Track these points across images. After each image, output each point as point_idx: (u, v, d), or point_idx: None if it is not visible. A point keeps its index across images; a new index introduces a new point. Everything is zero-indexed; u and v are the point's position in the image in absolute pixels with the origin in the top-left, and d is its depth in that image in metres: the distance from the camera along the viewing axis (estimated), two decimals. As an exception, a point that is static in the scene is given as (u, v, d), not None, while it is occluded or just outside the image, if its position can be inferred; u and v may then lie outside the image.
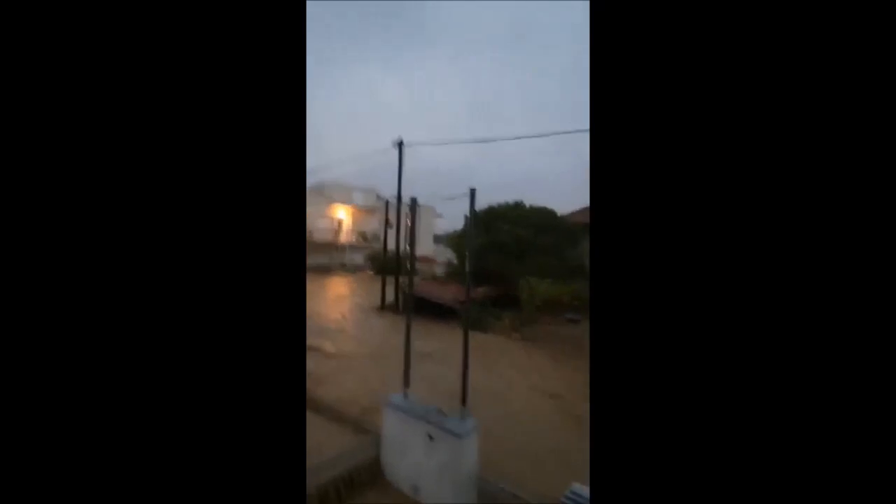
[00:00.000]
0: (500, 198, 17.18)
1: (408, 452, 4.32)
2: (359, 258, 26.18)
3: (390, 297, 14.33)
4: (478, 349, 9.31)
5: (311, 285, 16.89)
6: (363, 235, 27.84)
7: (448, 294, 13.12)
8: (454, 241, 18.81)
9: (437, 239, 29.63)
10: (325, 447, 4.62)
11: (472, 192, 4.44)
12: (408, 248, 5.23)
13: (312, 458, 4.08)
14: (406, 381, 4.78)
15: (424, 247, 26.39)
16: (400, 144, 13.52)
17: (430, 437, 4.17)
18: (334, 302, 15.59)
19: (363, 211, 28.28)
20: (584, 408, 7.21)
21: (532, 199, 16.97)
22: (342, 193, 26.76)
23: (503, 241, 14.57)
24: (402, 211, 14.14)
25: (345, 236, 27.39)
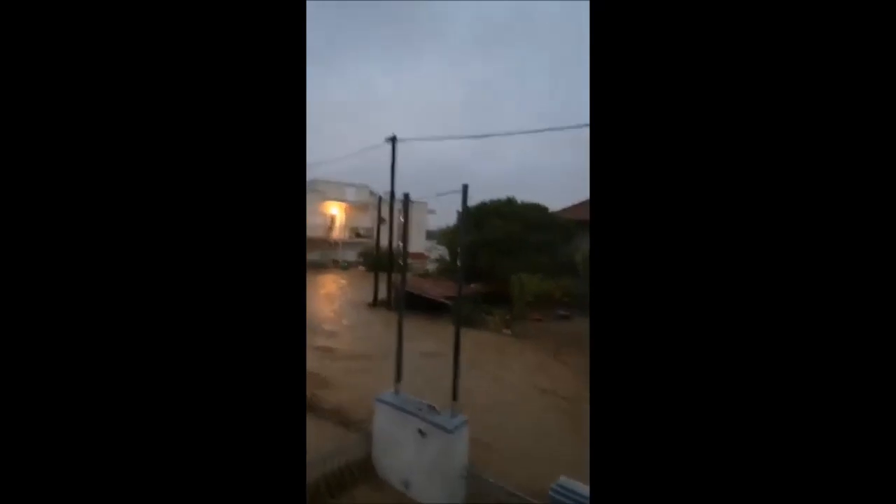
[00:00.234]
0: (492, 194, 17.32)
1: (399, 448, 4.36)
2: (351, 255, 26.08)
3: (383, 293, 14.34)
4: (469, 345, 9.36)
5: (303, 282, 16.73)
6: (356, 232, 27.73)
7: (440, 290, 13.15)
8: (446, 237, 18.84)
9: (430, 235, 29.61)
10: (315, 444, 4.64)
11: (465, 188, 4.46)
12: (400, 244, 5.24)
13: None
14: (398, 378, 4.81)
15: (417, 243, 26.33)
16: (393, 140, 13.47)
17: (421, 433, 4.21)
18: (327, 299, 15.54)
19: (356, 207, 28.14)
20: (573, 403, 7.31)
21: (524, 195, 17.07)
22: (335, 190, 26.59)
23: (495, 238, 14.62)
24: (394, 207, 14.11)
25: (337, 233, 27.24)
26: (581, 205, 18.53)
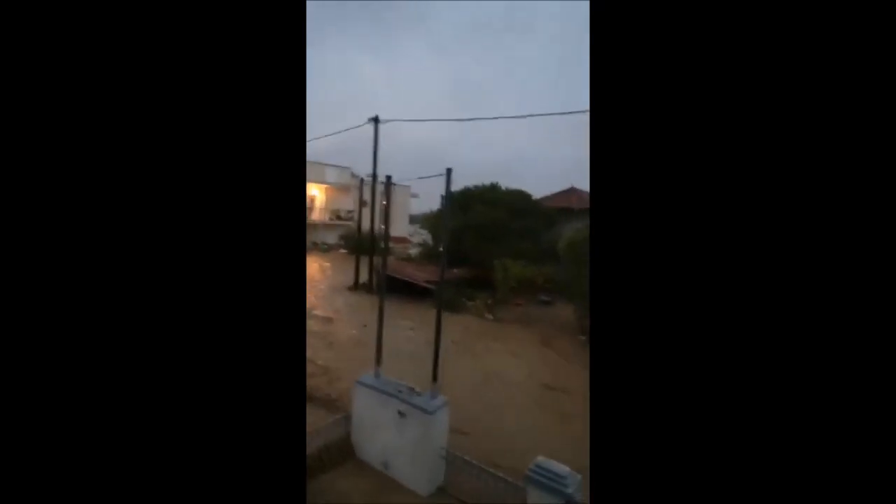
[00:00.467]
0: (477, 180, 17.23)
1: (379, 430, 4.36)
2: (332, 237, 25.69)
3: (365, 277, 14.21)
4: (451, 329, 9.42)
5: (283, 264, 16.40)
6: (336, 214, 27.27)
7: (423, 275, 13.12)
8: (430, 221, 18.74)
9: (413, 219, 29.40)
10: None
11: (448, 172, 4.38)
12: (382, 227, 5.16)
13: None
14: (378, 360, 4.78)
15: (399, 227, 26.13)
16: (375, 121, 13.16)
17: (401, 414, 4.21)
18: (307, 282, 15.31)
19: (337, 189, 27.58)
20: (553, 386, 7.47)
21: (508, 182, 17.05)
22: (315, 171, 25.93)
23: (479, 223, 14.62)
24: (377, 189, 13.89)
25: (317, 214, 26.74)
26: (563, 193, 18.67)
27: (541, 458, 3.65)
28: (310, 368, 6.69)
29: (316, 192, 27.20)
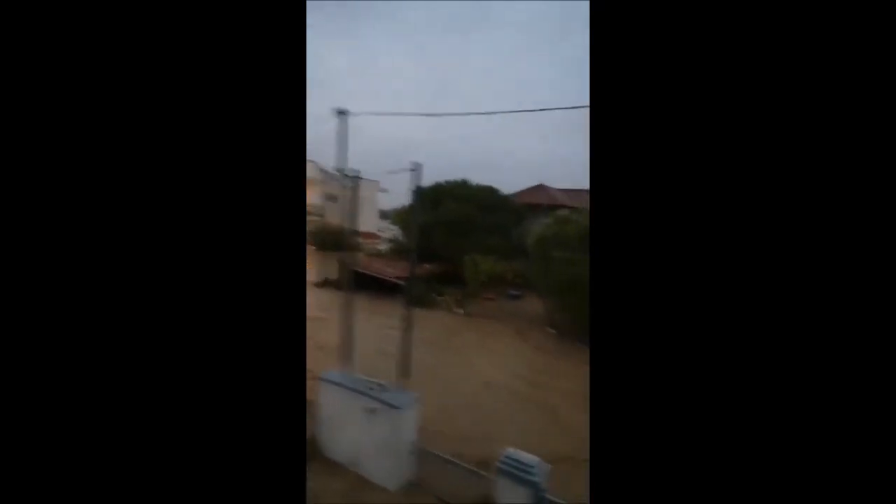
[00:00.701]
0: (449, 175, 17.17)
1: (346, 427, 4.27)
2: (299, 233, 24.96)
3: (332, 273, 13.91)
4: (422, 325, 9.38)
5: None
6: (303, 209, 26.51)
7: (392, 271, 13.00)
8: (400, 217, 18.56)
9: (384, 215, 29.06)
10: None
11: (417, 167, 4.33)
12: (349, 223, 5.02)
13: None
14: (347, 357, 4.68)
15: (369, 223, 25.75)
16: (341, 113, 12.85)
17: (370, 411, 4.14)
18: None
19: (304, 184, 26.85)
20: (521, 379, 7.58)
21: (478, 178, 17.14)
22: (280, 164, 25.03)
23: (449, 219, 14.61)
24: (344, 184, 13.57)
25: (283, 210, 25.86)
26: (532, 189, 19.00)
27: (510, 449, 3.69)
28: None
29: (281, 187, 26.32)
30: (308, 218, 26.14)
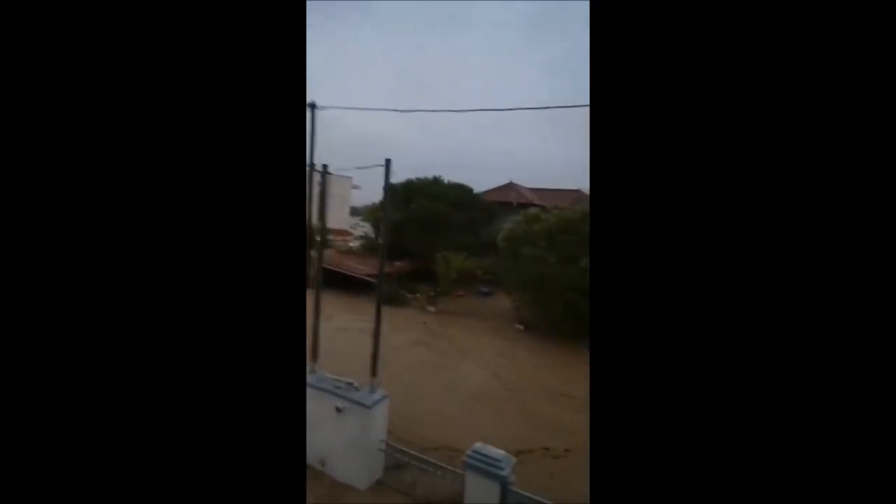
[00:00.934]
0: (421, 172, 17.11)
1: (314, 427, 4.22)
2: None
3: (301, 270, 13.60)
4: (393, 323, 9.34)
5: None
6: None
7: (364, 268, 12.86)
8: (372, 214, 18.36)
9: (356, 211, 28.61)
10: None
11: (387, 163, 4.31)
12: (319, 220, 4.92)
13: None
14: (314, 356, 4.62)
15: (340, 219, 25.29)
16: (311, 107, 12.55)
17: (338, 410, 4.11)
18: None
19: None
20: (492, 376, 7.72)
21: (451, 175, 17.17)
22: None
23: (421, 216, 14.60)
24: (313, 179, 13.27)
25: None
26: (503, 188, 19.24)
27: (478, 444, 3.77)
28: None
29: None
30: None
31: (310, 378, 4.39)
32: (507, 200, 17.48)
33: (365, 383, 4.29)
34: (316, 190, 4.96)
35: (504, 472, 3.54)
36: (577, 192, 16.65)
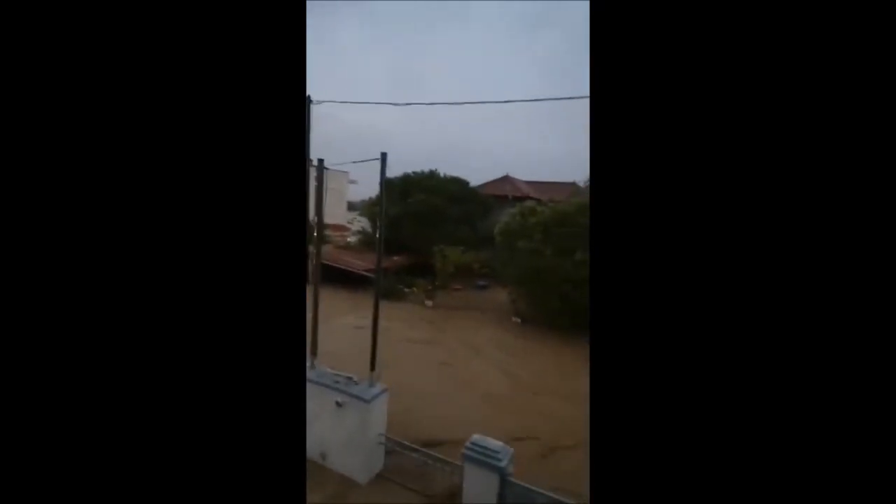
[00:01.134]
0: (418, 166, 17.05)
1: (315, 421, 4.26)
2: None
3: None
4: (391, 317, 9.37)
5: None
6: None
7: (361, 263, 12.87)
8: (369, 208, 18.31)
9: (353, 206, 28.49)
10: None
11: (383, 157, 4.30)
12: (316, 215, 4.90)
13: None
14: (313, 351, 4.64)
15: (337, 214, 25.20)
16: (307, 101, 12.45)
17: (338, 404, 4.15)
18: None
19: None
20: (485, 369, 7.77)
21: (447, 169, 17.15)
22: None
23: (418, 210, 14.58)
24: (310, 174, 13.19)
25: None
26: (499, 181, 19.21)
27: (477, 436, 3.81)
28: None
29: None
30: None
31: (309, 373, 4.42)
32: (504, 194, 17.46)
33: (363, 378, 4.32)
34: (312, 185, 4.93)
35: (502, 464, 3.59)
36: (573, 184, 16.66)
